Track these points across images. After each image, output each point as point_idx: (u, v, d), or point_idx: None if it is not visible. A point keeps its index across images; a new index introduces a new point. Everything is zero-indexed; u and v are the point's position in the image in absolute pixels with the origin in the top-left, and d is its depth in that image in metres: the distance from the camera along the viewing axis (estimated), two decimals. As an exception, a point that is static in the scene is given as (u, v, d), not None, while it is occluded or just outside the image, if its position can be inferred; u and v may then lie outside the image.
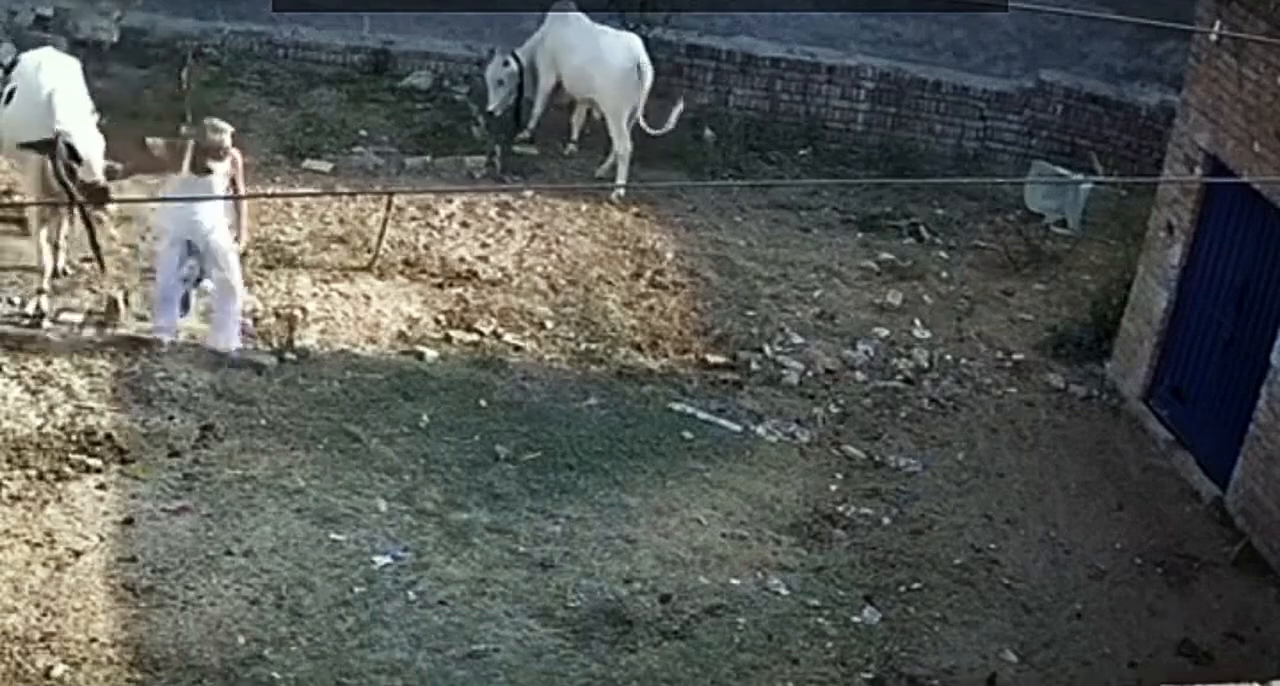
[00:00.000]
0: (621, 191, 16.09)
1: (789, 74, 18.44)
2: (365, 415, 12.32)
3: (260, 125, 16.75)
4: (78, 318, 12.96)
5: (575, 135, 17.11)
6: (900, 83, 18.44)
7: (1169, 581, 11.71)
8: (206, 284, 12.97)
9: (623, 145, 16.27)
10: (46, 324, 12.79)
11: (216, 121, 12.94)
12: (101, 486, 11.10)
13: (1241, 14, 12.39)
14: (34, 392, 12.00)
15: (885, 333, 14.51)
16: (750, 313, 14.59)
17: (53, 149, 12.45)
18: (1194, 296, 13.23)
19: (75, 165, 12.48)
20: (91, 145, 12.78)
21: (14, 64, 13.66)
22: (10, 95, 13.22)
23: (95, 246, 13.00)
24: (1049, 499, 12.51)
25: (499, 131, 16.98)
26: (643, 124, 16.22)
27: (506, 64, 16.75)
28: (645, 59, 16.25)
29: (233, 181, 12.79)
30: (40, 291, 13.02)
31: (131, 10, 18.15)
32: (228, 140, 12.74)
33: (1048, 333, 14.74)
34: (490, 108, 16.90)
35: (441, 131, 17.13)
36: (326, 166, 16.14)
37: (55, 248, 13.35)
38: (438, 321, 13.76)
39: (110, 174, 12.96)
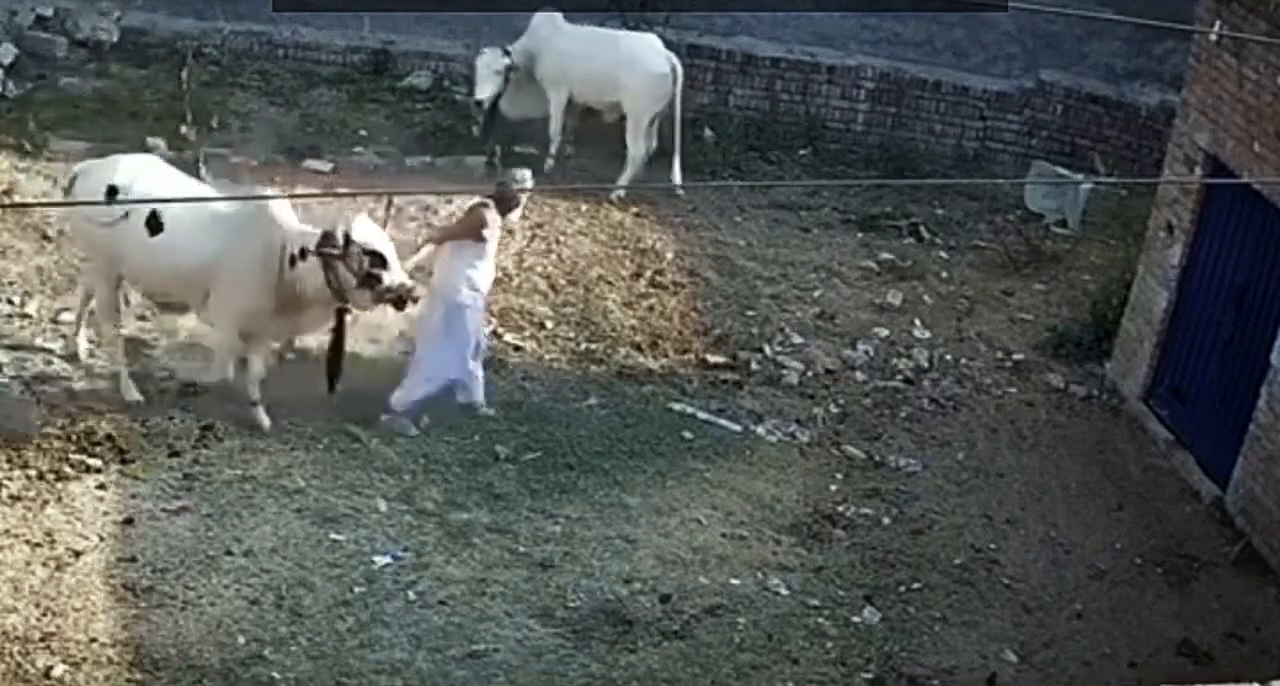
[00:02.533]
0: (621, 193, 16.09)
1: (789, 74, 18.44)
2: (365, 415, 12.31)
3: (260, 125, 16.76)
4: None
5: (554, 149, 16.55)
6: (900, 83, 18.44)
7: (1169, 581, 11.71)
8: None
9: (639, 149, 16.26)
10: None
11: (519, 172, 12.48)
12: (101, 486, 11.10)
13: (1241, 14, 12.39)
14: (34, 392, 12.00)
15: (885, 333, 14.51)
16: (750, 313, 14.59)
17: (338, 252, 11.28)
18: (1194, 296, 13.23)
19: (380, 269, 11.32)
20: (385, 242, 11.51)
21: (114, 191, 11.72)
22: (153, 221, 11.61)
23: (338, 359, 11.91)
24: (1049, 499, 12.51)
25: (499, 131, 16.98)
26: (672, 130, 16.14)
27: (507, 54, 16.22)
28: (676, 59, 16.30)
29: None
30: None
31: (131, 10, 18.15)
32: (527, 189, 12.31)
33: (1048, 333, 14.75)
34: (480, 97, 16.30)
35: (441, 131, 17.13)
36: (326, 166, 16.14)
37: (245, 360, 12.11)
38: (438, 321, 13.74)
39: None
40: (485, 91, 16.28)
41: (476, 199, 12.36)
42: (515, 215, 12.47)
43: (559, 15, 16.38)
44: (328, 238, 11.32)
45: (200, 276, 11.62)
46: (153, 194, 11.55)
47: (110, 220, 11.63)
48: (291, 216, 11.68)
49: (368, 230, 11.43)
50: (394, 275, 11.42)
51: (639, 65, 16.19)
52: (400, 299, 11.56)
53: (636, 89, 16.16)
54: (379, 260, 11.34)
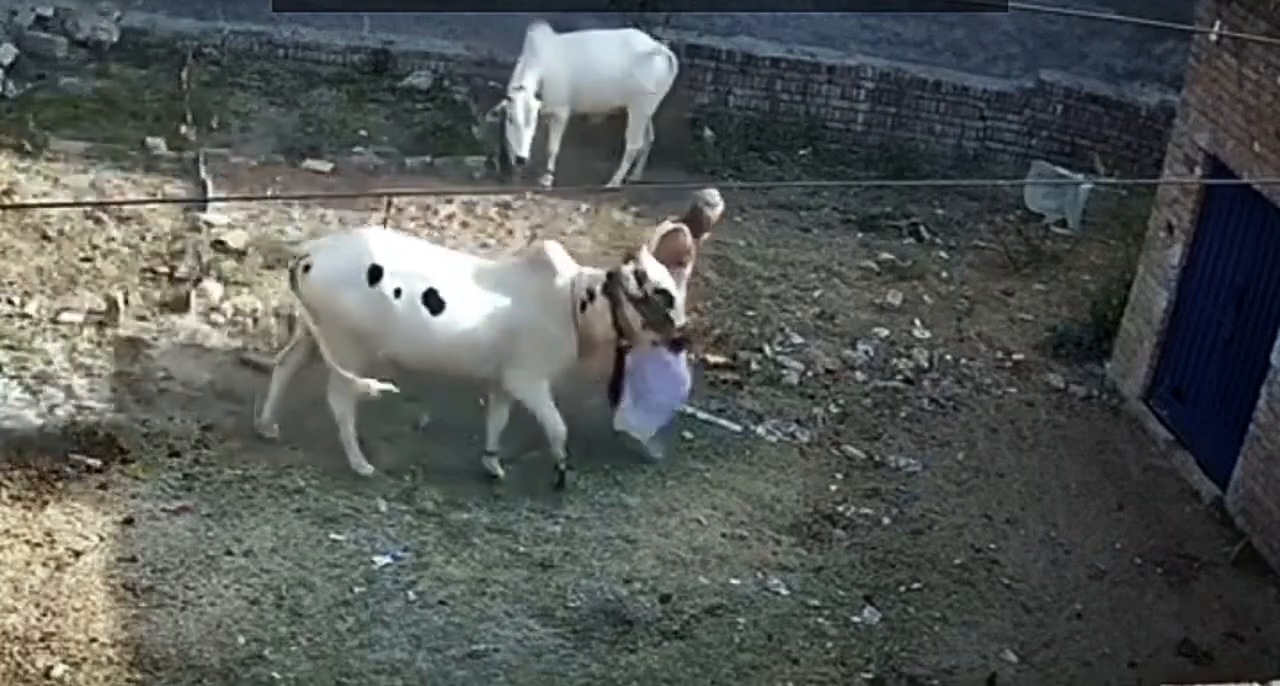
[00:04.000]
0: (618, 182, 16.07)
1: (789, 74, 18.44)
2: (365, 415, 12.30)
3: (260, 125, 16.76)
4: (78, 317, 12.95)
5: (553, 166, 16.19)
6: (900, 83, 18.44)
7: (1169, 581, 11.71)
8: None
9: (639, 143, 16.38)
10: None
11: (709, 193, 12.22)
12: (101, 486, 11.10)
13: (1241, 14, 12.39)
14: (34, 393, 12.00)
15: (885, 333, 14.51)
16: (750, 313, 14.59)
17: (638, 294, 11.12)
18: (1194, 296, 13.23)
19: (668, 309, 11.20)
20: (669, 278, 11.29)
21: (378, 271, 11.06)
22: (432, 299, 11.11)
23: (616, 399, 11.81)
24: (1049, 499, 12.51)
25: (499, 131, 16.97)
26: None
27: (539, 97, 15.58)
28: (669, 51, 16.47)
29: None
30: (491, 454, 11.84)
31: (131, 10, 18.15)
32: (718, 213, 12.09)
33: (1048, 333, 14.74)
34: (522, 152, 15.47)
35: (441, 131, 17.11)
36: (326, 166, 16.13)
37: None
38: (438, 321, 13.73)
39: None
40: (526, 145, 15.56)
41: (668, 224, 12.12)
42: (706, 237, 12.26)
43: (548, 28, 16.10)
44: (615, 278, 11.16)
45: (497, 346, 11.20)
46: (422, 270, 11.13)
47: (373, 301, 11.03)
48: (568, 259, 11.44)
49: (655, 267, 11.26)
50: (679, 313, 11.30)
51: (647, 63, 16.28)
52: (683, 339, 11.51)
53: (647, 86, 16.27)
54: (668, 299, 11.22)
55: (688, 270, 11.96)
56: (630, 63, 16.26)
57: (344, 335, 11.19)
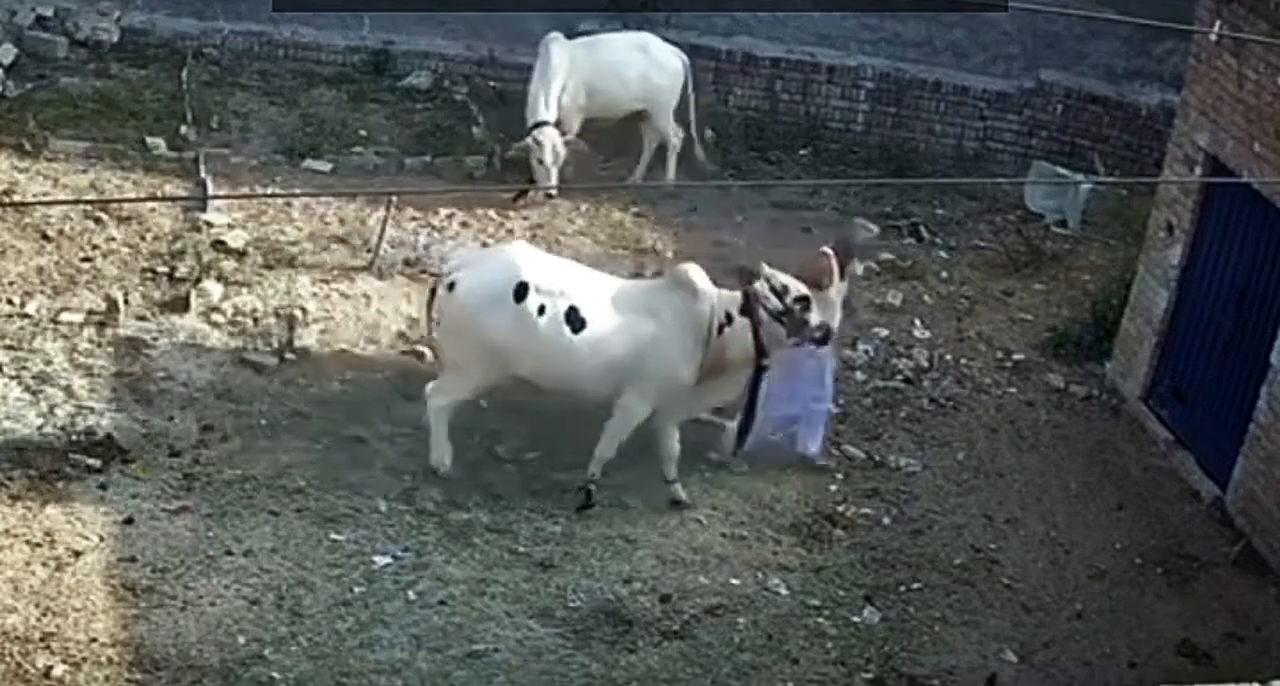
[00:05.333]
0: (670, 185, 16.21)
1: (789, 74, 18.43)
2: (365, 415, 12.32)
3: (260, 125, 16.76)
4: (78, 317, 12.95)
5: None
6: (900, 83, 18.42)
7: (1169, 581, 11.71)
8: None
9: (675, 137, 16.46)
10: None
11: (863, 223, 12.15)
12: (101, 486, 11.11)
13: (1241, 14, 12.39)
14: (34, 393, 12.01)
15: (885, 333, 14.50)
16: (750, 313, 14.56)
17: (783, 309, 11.22)
18: (1194, 296, 13.22)
19: (808, 312, 11.25)
20: (797, 281, 11.36)
21: (524, 288, 11.11)
22: (574, 317, 11.14)
23: (751, 414, 11.70)
24: (1049, 499, 12.51)
25: (499, 131, 16.98)
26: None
27: (565, 134, 15.54)
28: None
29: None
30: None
31: (131, 10, 18.15)
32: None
33: (1048, 333, 14.74)
34: (552, 189, 15.50)
35: (441, 131, 17.11)
36: (326, 166, 16.13)
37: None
38: (438, 321, 13.75)
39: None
40: (555, 180, 15.51)
41: (824, 249, 12.06)
42: (858, 268, 12.18)
43: (562, 37, 16.12)
44: (753, 297, 11.19)
45: (629, 365, 11.20)
46: (565, 289, 11.17)
47: (518, 318, 11.06)
48: (708, 280, 11.42)
49: (783, 276, 11.32)
50: (816, 314, 11.34)
51: (665, 64, 16.40)
52: (824, 337, 11.55)
53: (668, 87, 16.37)
54: (807, 304, 11.27)
55: (832, 293, 11.79)
56: (646, 65, 16.34)
57: (478, 352, 11.21)
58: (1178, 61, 16.41)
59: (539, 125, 15.49)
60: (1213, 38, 12.62)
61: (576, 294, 11.18)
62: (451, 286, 11.25)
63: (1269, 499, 11.87)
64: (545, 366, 11.24)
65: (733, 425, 12.00)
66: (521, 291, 11.08)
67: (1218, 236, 12.97)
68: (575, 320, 11.11)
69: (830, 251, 11.91)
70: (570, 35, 16.53)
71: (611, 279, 11.74)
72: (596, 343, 11.12)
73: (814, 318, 11.34)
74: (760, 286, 11.22)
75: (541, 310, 11.06)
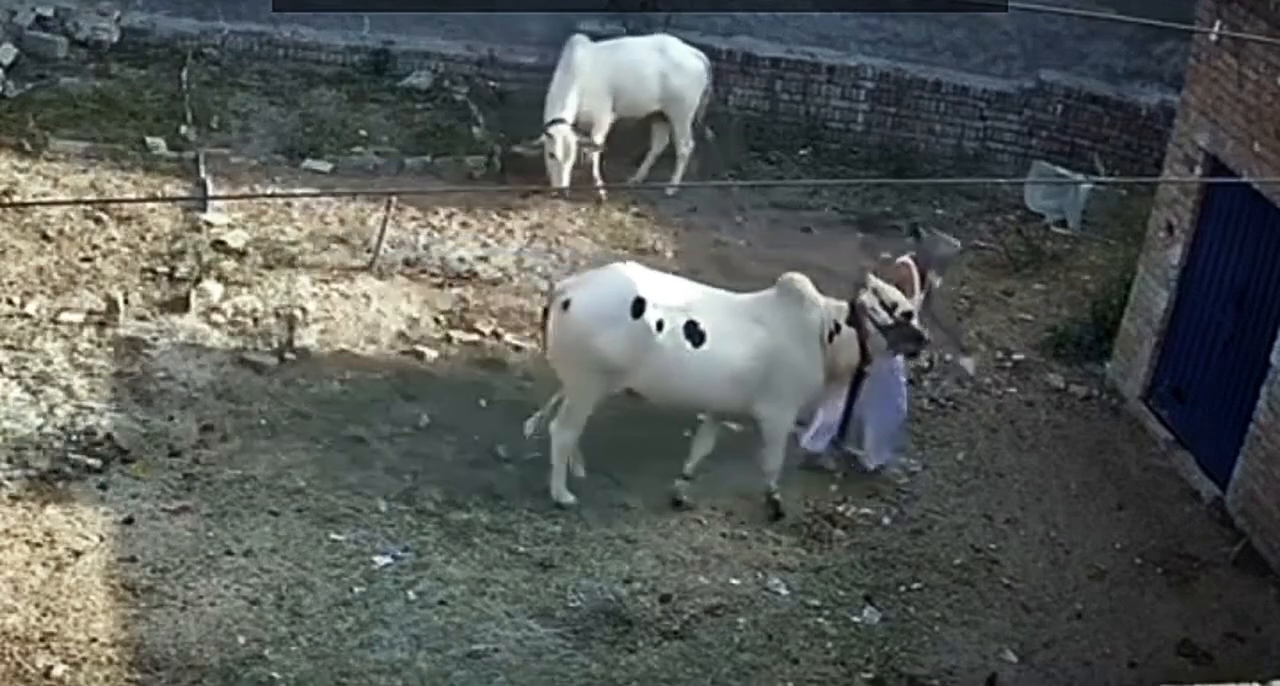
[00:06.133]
0: (674, 191, 16.21)
1: (789, 74, 18.44)
2: (365, 415, 12.32)
3: (260, 125, 16.76)
4: (78, 317, 12.95)
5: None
6: (900, 83, 18.43)
7: (1169, 581, 11.71)
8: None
9: (690, 147, 16.50)
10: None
11: (946, 237, 12.39)
12: (101, 486, 11.10)
13: (1241, 14, 12.39)
14: (34, 392, 12.00)
15: (885, 333, 14.49)
16: (750, 313, 14.56)
17: (892, 322, 11.34)
18: (1194, 296, 13.22)
19: (912, 327, 11.45)
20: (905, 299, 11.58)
21: (641, 304, 11.09)
22: (693, 331, 11.17)
23: (849, 418, 11.92)
24: (1049, 499, 12.51)
25: (499, 131, 16.98)
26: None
27: (590, 134, 15.70)
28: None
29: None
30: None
31: (131, 10, 18.15)
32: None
33: (1048, 333, 14.74)
34: (564, 185, 15.52)
35: (441, 131, 17.12)
36: (326, 166, 16.13)
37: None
38: (438, 321, 13.76)
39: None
40: (567, 178, 15.55)
41: (905, 257, 12.27)
42: (937, 281, 12.31)
43: (586, 40, 16.16)
44: (860, 309, 11.31)
45: (749, 380, 11.25)
46: (681, 303, 11.21)
47: (636, 335, 11.07)
48: (815, 291, 11.51)
49: (893, 291, 11.49)
50: (915, 326, 11.55)
51: (687, 67, 16.44)
52: (917, 350, 11.78)
53: (690, 89, 16.40)
54: (910, 317, 11.48)
55: (911, 303, 11.91)
56: (668, 68, 16.37)
57: (594, 370, 11.23)
58: (1178, 61, 16.41)
59: (555, 123, 15.51)
60: (1213, 38, 12.62)
61: (692, 308, 11.25)
62: (566, 305, 11.24)
63: (1269, 499, 11.87)
64: (665, 382, 11.27)
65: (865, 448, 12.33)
66: (639, 307, 11.10)
67: (1218, 236, 12.97)
68: (695, 334, 11.17)
69: (910, 261, 12.08)
70: (594, 38, 16.58)
71: (719, 292, 11.84)
72: (718, 356, 11.18)
73: (915, 331, 11.56)
74: (868, 299, 11.36)
75: (660, 325, 11.11)
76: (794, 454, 12.23)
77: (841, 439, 12.20)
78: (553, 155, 15.48)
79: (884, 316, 11.36)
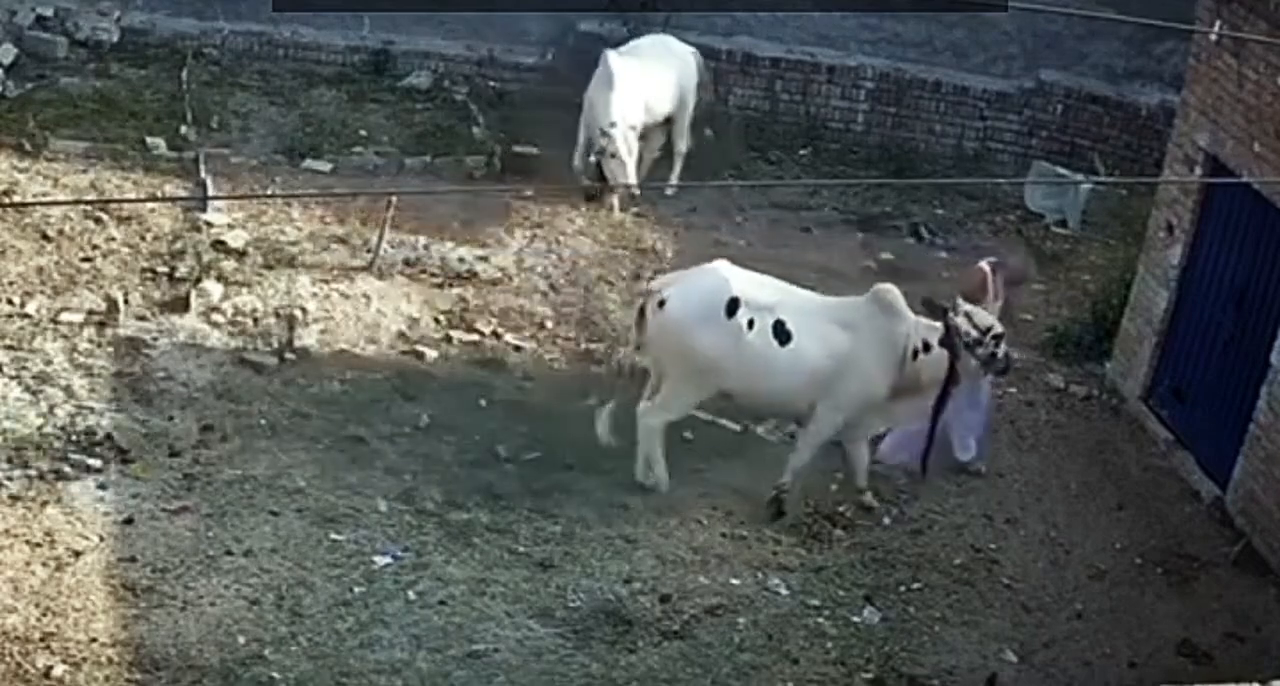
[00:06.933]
0: (672, 191, 16.18)
1: (789, 74, 18.44)
2: (365, 415, 12.32)
3: (260, 125, 16.76)
4: (78, 317, 12.95)
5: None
6: (900, 83, 18.44)
7: (1169, 581, 11.71)
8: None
9: (688, 145, 16.51)
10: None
11: (1029, 257, 12.40)
12: (101, 486, 11.10)
13: (1241, 14, 12.39)
14: (34, 393, 12.00)
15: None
16: (750, 313, 14.55)
17: (986, 350, 11.46)
18: (1194, 296, 13.22)
19: (999, 348, 11.56)
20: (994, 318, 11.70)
21: (735, 303, 11.29)
22: (781, 330, 11.32)
23: (933, 436, 11.92)
24: (1049, 499, 12.51)
25: (499, 131, 16.98)
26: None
27: (638, 130, 15.62)
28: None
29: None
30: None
31: (131, 10, 18.16)
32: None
33: (1047, 333, 14.73)
34: (631, 182, 15.45)
35: (441, 131, 17.12)
36: (326, 166, 16.13)
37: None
38: (438, 321, 13.76)
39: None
40: (634, 174, 15.49)
41: (983, 263, 12.35)
42: (1017, 297, 12.41)
43: (617, 54, 15.99)
44: (954, 332, 11.40)
45: (824, 378, 11.37)
46: (772, 303, 11.37)
47: (729, 334, 11.22)
48: (905, 305, 11.59)
49: (981, 314, 11.56)
50: (1004, 348, 11.60)
51: (691, 68, 16.45)
52: (1006, 369, 11.88)
53: (693, 89, 16.43)
54: (1000, 339, 11.54)
55: (987, 307, 12.02)
56: (680, 68, 16.40)
57: (689, 368, 11.37)
58: (1178, 61, 16.42)
59: (611, 125, 15.36)
60: (1213, 38, 12.62)
61: (782, 308, 11.38)
62: (662, 304, 11.37)
63: (1269, 499, 11.87)
64: (752, 380, 11.41)
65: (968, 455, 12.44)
66: (733, 306, 11.25)
67: (1218, 236, 12.97)
68: (782, 333, 11.30)
69: (988, 267, 12.18)
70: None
71: (811, 294, 11.96)
72: (800, 355, 11.30)
73: (1005, 353, 11.64)
74: (962, 322, 11.47)
75: (751, 324, 11.25)
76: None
77: (925, 461, 12.09)
78: (614, 155, 15.34)
79: (976, 338, 11.45)
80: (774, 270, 15.16)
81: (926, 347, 11.52)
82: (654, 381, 11.80)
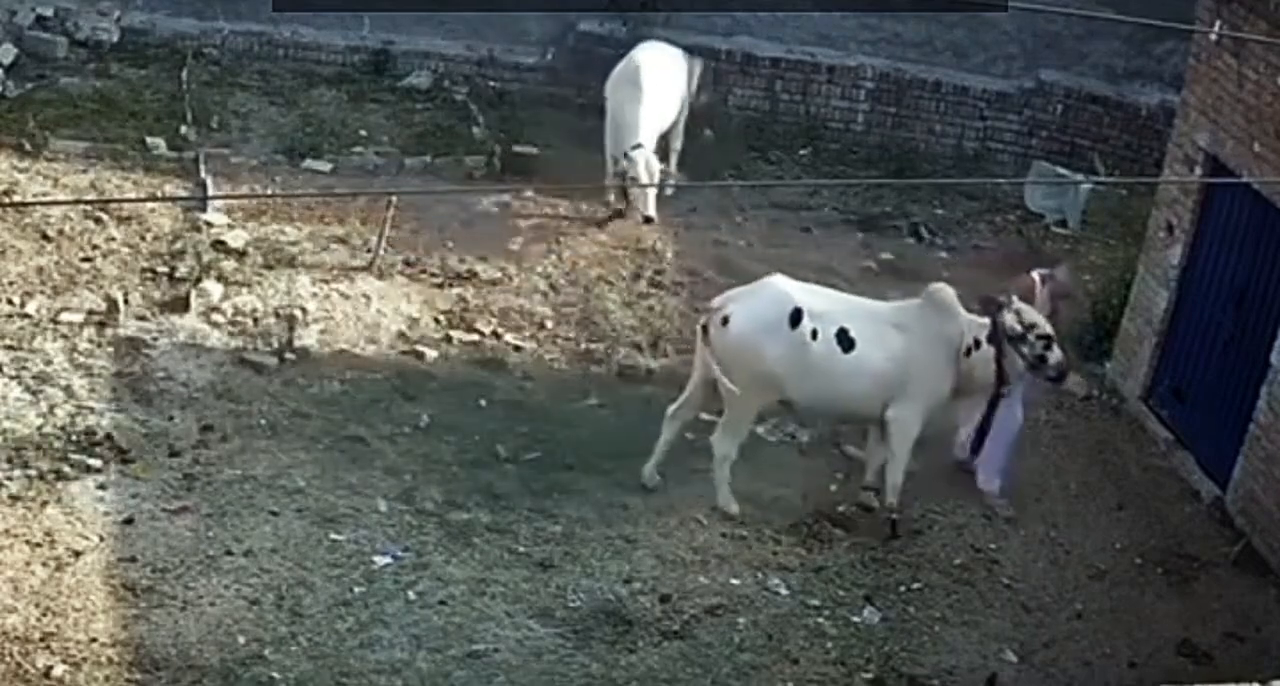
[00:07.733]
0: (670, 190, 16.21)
1: (789, 74, 18.45)
2: (365, 415, 12.32)
3: (260, 125, 16.77)
4: (78, 317, 12.95)
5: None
6: (900, 83, 18.44)
7: (1169, 581, 11.71)
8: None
9: (682, 138, 16.56)
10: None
11: (1073, 270, 12.56)
12: (101, 486, 11.10)
13: (1241, 14, 12.40)
14: (34, 393, 12.00)
15: (885, 332, 14.47)
16: (750, 313, 14.54)
17: (1007, 339, 11.49)
18: (1194, 296, 13.22)
19: (1048, 350, 11.54)
20: (1045, 320, 11.74)
21: (799, 315, 11.31)
22: (844, 337, 11.36)
23: (983, 441, 12.10)
24: (1049, 499, 12.50)
25: (499, 131, 16.98)
26: None
27: (639, 146, 15.41)
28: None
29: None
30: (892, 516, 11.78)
31: (131, 10, 18.16)
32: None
33: (1047, 333, 14.71)
34: (650, 213, 15.30)
35: (441, 131, 17.13)
36: (326, 166, 16.14)
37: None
38: (438, 321, 13.77)
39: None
40: (653, 204, 15.33)
41: (1035, 273, 12.47)
42: (1062, 308, 12.48)
43: (640, 67, 15.88)
44: (1001, 328, 11.46)
45: (888, 384, 11.45)
46: (832, 311, 11.44)
47: (793, 345, 11.27)
48: (958, 304, 11.66)
49: (1034, 314, 11.62)
50: (1056, 352, 11.62)
51: (685, 71, 16.46)
52: (1060, 375, 11.83)
53: (689, 90, 16.48)
54: (1049, 342, 11.56)
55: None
56: (686, 71, 16.47)
57: (753, 381, 11.40)
58: (1178, 61, 16.42)
59: (635, 147, 15.29)
60: (1213, 38, 12.62)
61: (842, 316, 11.48)
62: (725, 321, 11.41)
63: (1269, 499, 11.87)
64: (818, 389, 11.47)
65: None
66: (796, 317, 11.33)
67: (1218, 236, 12.97)
68: (845, 341, 11.38)
69: (1038, 277, 12.28)
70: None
71: (864, 300, 12.07)
72: (864, 361, 11.39)
73: (1054, 356, 11.62)
74: (1009, 318, 11.51)
75: (815, 334, 11.33)
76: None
77: (976, 452, 12.18)
78: (634, 179, 15.21)
79: (1025, 344, 11.50)
80: (774, 270, 15.29)
81: (977, 344, 11.60)
82: (689, 392, 11.80)
